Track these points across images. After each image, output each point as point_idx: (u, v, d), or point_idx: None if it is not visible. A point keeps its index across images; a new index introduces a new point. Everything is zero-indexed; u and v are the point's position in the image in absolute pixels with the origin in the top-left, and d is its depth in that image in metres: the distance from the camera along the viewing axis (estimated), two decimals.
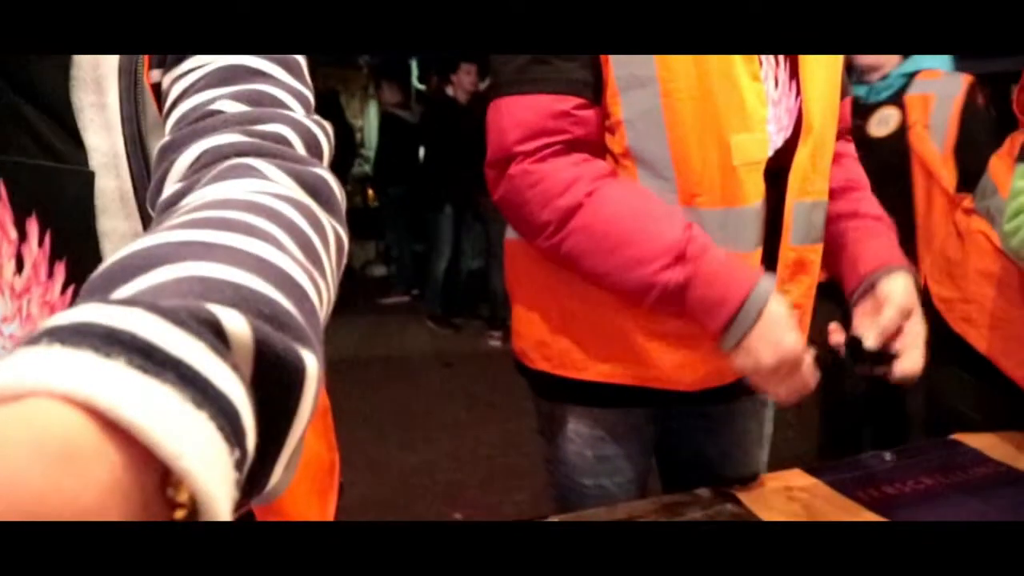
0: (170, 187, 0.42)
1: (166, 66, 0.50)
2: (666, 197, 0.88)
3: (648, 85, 0.85)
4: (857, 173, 1.12)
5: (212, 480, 0.22)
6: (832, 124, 0.98)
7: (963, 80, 1.94)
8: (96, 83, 0.49)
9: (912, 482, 0.99)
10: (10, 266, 0.47)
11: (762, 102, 0.88)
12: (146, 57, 0.50)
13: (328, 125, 0.49)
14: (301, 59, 0.52)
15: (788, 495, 0.95)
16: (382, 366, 3.87)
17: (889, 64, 2.00)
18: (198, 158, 0.42)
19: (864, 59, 2.01)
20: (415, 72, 6.81)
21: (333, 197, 0.43)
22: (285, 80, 0.49)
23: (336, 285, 0.41)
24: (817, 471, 1.02)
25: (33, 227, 0.47)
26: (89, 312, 0.24)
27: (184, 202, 0.39)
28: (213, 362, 0.24)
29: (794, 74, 0.92)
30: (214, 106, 0.45)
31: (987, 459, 1.05)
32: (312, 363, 0.30)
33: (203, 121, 0.44)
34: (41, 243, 0.48)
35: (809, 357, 0.86)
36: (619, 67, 0.85)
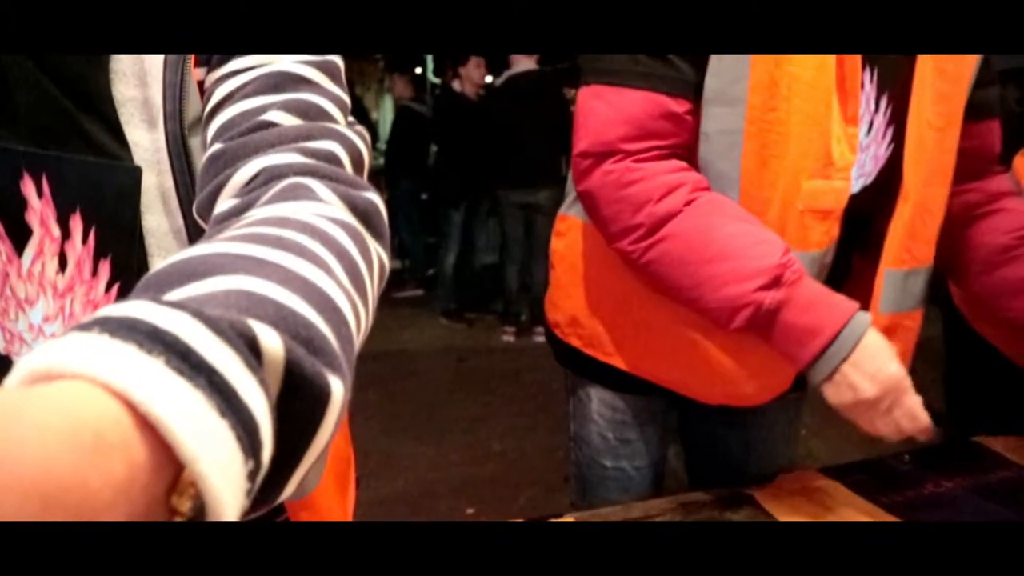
0: (226, 201, 0.43)
1: (211, 65, 0.49)
2: None
3: (736, 105, 0.81)
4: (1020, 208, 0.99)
5: (223, 486, 0.23)
6: (940, 184, 0.90)
7: None
8: (138, 77, 0.48)
9: (931, 484, 0.98)
10: (53, 264, 0.46)
11: (852, 148, 0.84)
12: None
13: (366, 133, 0.50)
14: (340, 62, 0.52)
15: (806, 496, 0.95)
16: (395, 360, 3.87)
17: None
18: (256, 176, 0.43)
19: None
20: (431, 66, 6.80)
21: (381, 223, 0.45)
22: (328, 87, 0.50)
23: (375, 309, 0.41)
24: (834, 472, 1.01)
25: (77, 224, 0.47)
26: (139, 308, 0.25)
27: (243, 217, 0.40)
28: (243, 374, 0.25)
29: (893, 121, 0.87)
30: (266, 116, 0.46)
31: (1009, 462, 1.04)
32: (338, 389, 0.31)
33: (257, 133, 0.45)
34: (85, 241, 0.47)
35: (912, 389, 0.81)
36: (712, 78, 0.82)
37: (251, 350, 0.26)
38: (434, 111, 4.71)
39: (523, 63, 3.97)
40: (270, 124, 0.46)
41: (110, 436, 0.21)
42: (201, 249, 0.33)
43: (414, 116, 4.91)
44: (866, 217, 0.90)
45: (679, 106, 0.83)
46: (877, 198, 0.89)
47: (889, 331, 0.91)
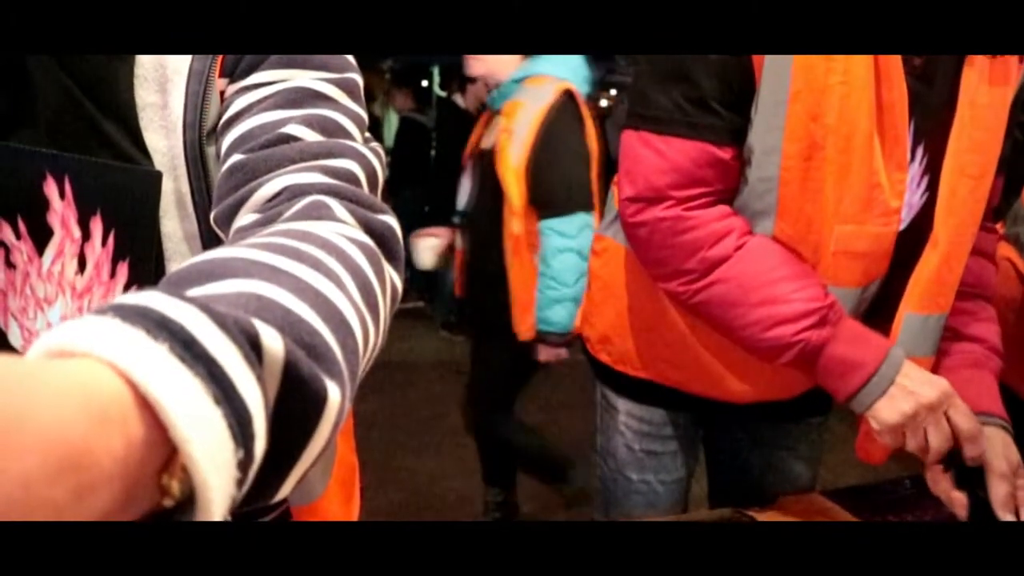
0: (248, 216, 0.45)
1: (234, 76, 0.50)
2: None
3: (771, 154, 0.84)
4: (987, 273, 1.02)
5: (211, 470, 0.24)
6: (969, 233, 0.92)
7: (555, 89, 1.83)
8: (158, 83, 0.49)
9: (933, 510, 0.98)
10: (72, 265, 0.47)
11: (898, 193, 0.86)
12: (219, 61, 0.50)
13: (381, 150, 0.51)
14: (359, 80, 0.53)
15: (807, 519, 0.95)
16: (395, 371, 3.87)
17: (504, 71, 1.88)
18: (278, 193, 0.44)
19: (477, 68, 1.92)
20: (436, 79, 6.83)
21: (397, 246, 0.46)
22: (346, 104, 0.51)
23: (386, 330, 0.42)
24: (836, 496, 1.01)
25: (97, 226, 0.47)
26: (152, 298, 0.27)
27: (266, 228, 0.41)
28: (242, 368, 0.27)
29: (928, 170, 0.89)
30: (286, 129, 0.47)
31: None
32: (335, 394, 0.32)
33: (278, 147, 0.46)
34: (104, 243, 0.48)
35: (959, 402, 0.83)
36: (751, 126, 0.84)
37: (252, 347, 0.28)
38: (437, 123, 4.72)
39: None
40: (290, 137, 0.47)
41: (112, 410, 0.23)
42: (221, 252, 0.35)
43: (417, 127, 4.93)
44: (896, 261, 0.91)
45: (725, 153, 0.86)
46: (907, 244, 0.90)
47: None
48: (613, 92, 7.04)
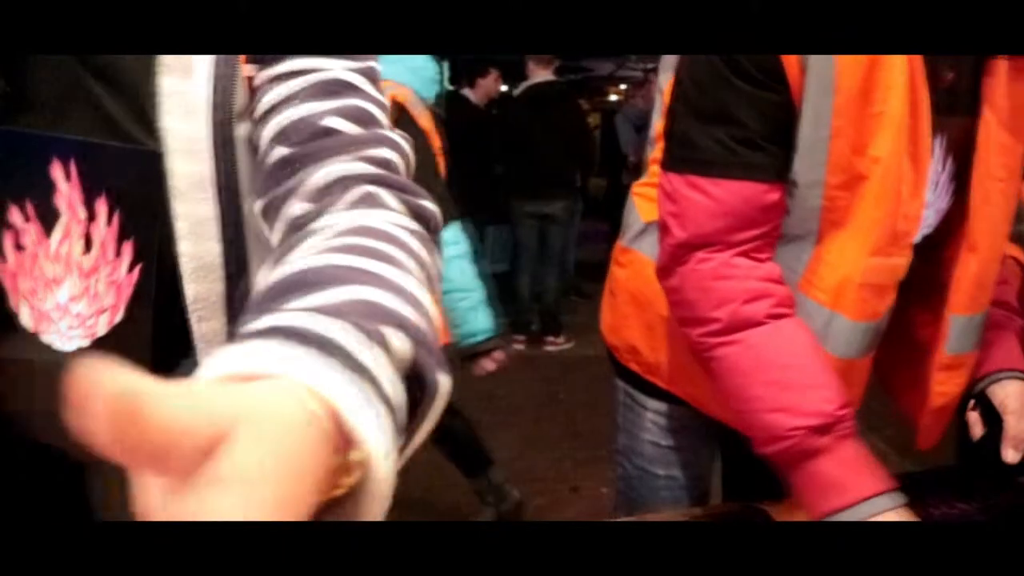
0: (299, 205, 0.48)
1: (264, 62, 0.52)
2: (788, 278, 0.87)
3: (813, 188, 0.84)
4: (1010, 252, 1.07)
5: (383, 466, 0.28)
6: (1002, 233, 0.93)
7: (388, 99, 1.81)
8: (183, 66, 0.49)
9: (945, 506, 0.97)
10: (79, 245, 0.48)
11: (916, 220, 0.86)
12: None
13: (408, 138, 0.53)
14: (379, 68, 0.55)
15: None
16: None
17: None
18: (329, 185, 0.47)
19: None
20: (446, 74, 6.83)
21: (438, 228, 0.50)
22: (372, 93, 0.53)
23: None
24: None
25: (102, 207, 0.48)
26: (303, 319, 0.31)
27: (321, 222, 0.46)
28: (390, 374, 0.31)
29: (956, 177, 0.90)
30: (325, 123, 0.50)
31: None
32: (445, 384, 0.36)
33: (321, 140, 0.49)
34: (109, 223, 0.48)
35: None
36: (796, 160, 0.84)
37: (388, 351, 0.32)
38: (446, 117, 4.73)
39: (540, 74, 3.99)
40: (331, 130, 0.49)
41: (326, 427, 0.26)
42: (311, 262, 0.39)
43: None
44: (922, 262, 0.91)
45: (775, 191, 0.84)
46: (935, 245, 0.91)
47: (951, 368, 0.95)
48: (623, 87, 7.02)
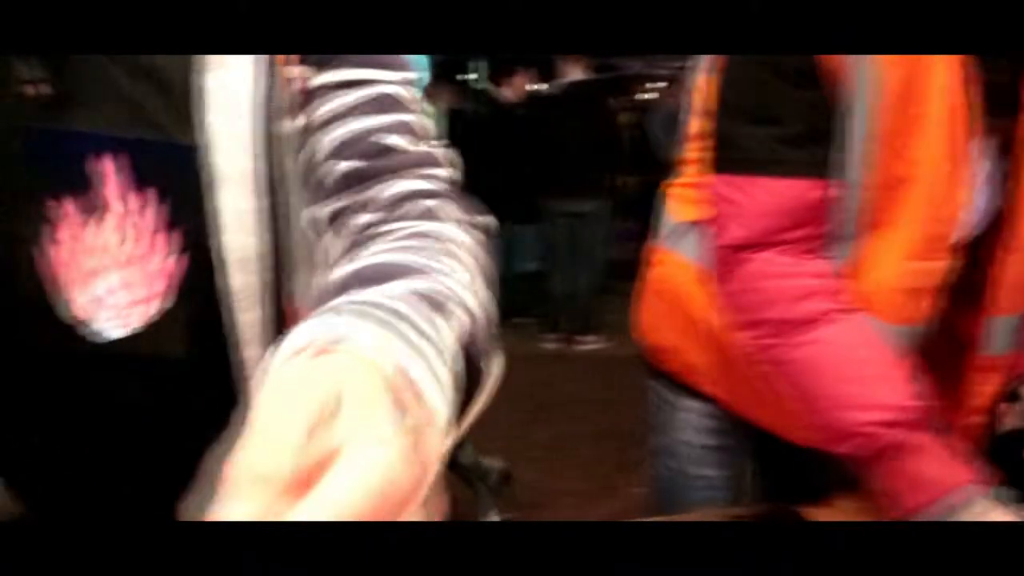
0: (369, 214, 0.52)
1: (318, 67, 0.53)
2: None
3: (854, 188, 0.83)
4: None
5: (440, 428, 0.33)
6: None
7: None
8: (223, 64, 0.50)
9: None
10: (116, 238, 0.49)
11: (953, 222, 0.84)
12: None
13: (448, 148, 0.58)
14: (415, 78, 0.57)
15: (858, 515, 0.92)
16: None
17: None
18: (401, 199, 0.53)
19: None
20: (479, 73, 6.84)
21: (492, 235, 0.55)
22: (420, 107, 0.57)
23: None
24: None
25: (143, 200, 0.49)
26: (392, 301, 0.36)
27: (392, 226, 0.51)
28: (452, 345, 0.37)
29: (1008, 177, 0.88)
30: (385, 141, 0.54)
31: None
32: (497, 366, 0.43)
33: (387, 157, 0.54)
34: (150, 215, 0.50)
35: None
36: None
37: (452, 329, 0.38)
38: (477, 116, 4.73)
39: (574, 72, 3.98)
40: (390, 148, 0.54)
41: (404, 394, 0.31)
42: (391, 257, 0.45)
43: (466, 121, 4.94)
44: (961, 263, 0.90)
45: (819, 189, 0.83)
46: (976, 246, 0.90)
47: (989, 370, 0.93)
48: (655, 85, 6.97)
